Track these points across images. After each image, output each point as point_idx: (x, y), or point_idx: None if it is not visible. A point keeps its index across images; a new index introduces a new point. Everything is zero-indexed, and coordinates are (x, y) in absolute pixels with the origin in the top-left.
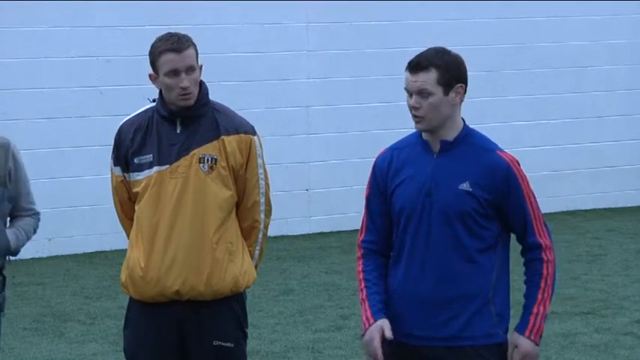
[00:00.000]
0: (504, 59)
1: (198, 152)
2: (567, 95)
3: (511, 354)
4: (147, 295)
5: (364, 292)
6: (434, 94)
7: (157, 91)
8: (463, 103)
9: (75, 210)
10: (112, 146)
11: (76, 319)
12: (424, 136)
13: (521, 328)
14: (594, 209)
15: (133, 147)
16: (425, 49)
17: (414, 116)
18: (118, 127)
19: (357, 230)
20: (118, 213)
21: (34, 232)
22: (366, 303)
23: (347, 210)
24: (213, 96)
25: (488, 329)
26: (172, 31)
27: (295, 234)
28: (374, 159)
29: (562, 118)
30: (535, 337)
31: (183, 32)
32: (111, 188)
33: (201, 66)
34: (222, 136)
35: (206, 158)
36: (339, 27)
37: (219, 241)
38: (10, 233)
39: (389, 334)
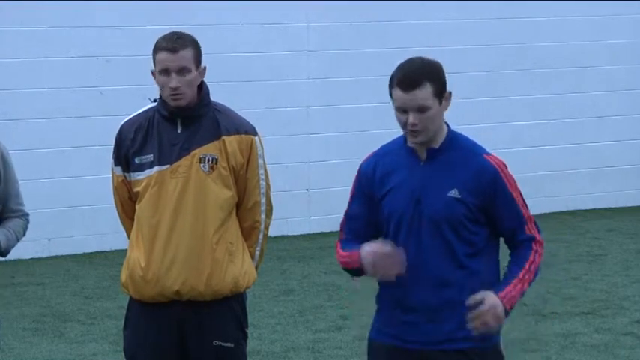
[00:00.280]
0: (504, 59)
1: (198, 152)
2: (567, 95)
3: (477, 303)
4: (147, 295)
5: (343, 254)
6: (432, 107)
7: (158, 90)
8: (463, 103)
9: (75, 210)
10: (112, 146)
11: (76, 319)
12: (409, 142)
13: (496, 290)
14: (594, 209)
15: (133, 147)
16: (425, 49)
17: (412, 132)
18: (118, 127)
19: None
20: (118, 213)
21: (24, 233)
22: (345, 254)
23: None
24: (214, 96)
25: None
26: (178, 31)
27: (295, 234)
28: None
29: (562, 118)
30: (506, 303)
31: (185, 33)
32: (112, 188)
33: (205, 68)
34: (223, 137)
35: (207, 158)
36: (339, 27)
37: (220, 241)
38: (1, 234)
39: (385, 245)
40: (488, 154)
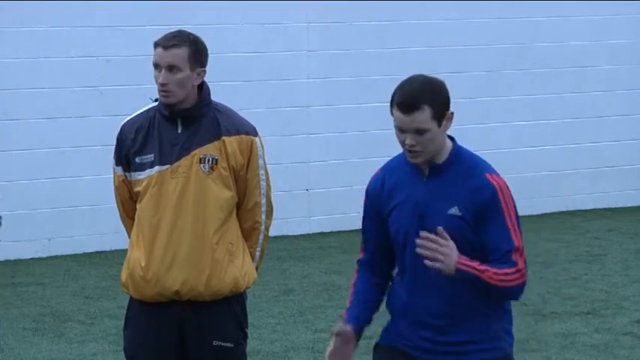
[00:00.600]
0: (504, 59)
1: (199, 152)
2: (567, 95)
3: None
4: (147, 295)
5: (347, 306)
6: (430, 130)
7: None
8: (463, 103)
9: (75, 210)
10: (112, 146)
11: (76, 319)
12: None
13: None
14: (594, 209)
15: (134, 147)
16: (425, 49)
17: (410, 152)
18: (119, 127)
19: (358, 230)
20: (119, 212)
21: None
22: (345, 312)
23: (347, 210)
24: (213, 96)
25: (494, 342)
26: (183, 30)
27: (295, 234)
28: (375, 159)
29: (562, 118)
30: (460, 264)
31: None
32: (113, 188)
33: (204, 71)
34: (223, 137)
35: (207, 158)
36: (339, 27)
37: (220, 241)
38: None
39: (334, 339)
40: (492, 172)
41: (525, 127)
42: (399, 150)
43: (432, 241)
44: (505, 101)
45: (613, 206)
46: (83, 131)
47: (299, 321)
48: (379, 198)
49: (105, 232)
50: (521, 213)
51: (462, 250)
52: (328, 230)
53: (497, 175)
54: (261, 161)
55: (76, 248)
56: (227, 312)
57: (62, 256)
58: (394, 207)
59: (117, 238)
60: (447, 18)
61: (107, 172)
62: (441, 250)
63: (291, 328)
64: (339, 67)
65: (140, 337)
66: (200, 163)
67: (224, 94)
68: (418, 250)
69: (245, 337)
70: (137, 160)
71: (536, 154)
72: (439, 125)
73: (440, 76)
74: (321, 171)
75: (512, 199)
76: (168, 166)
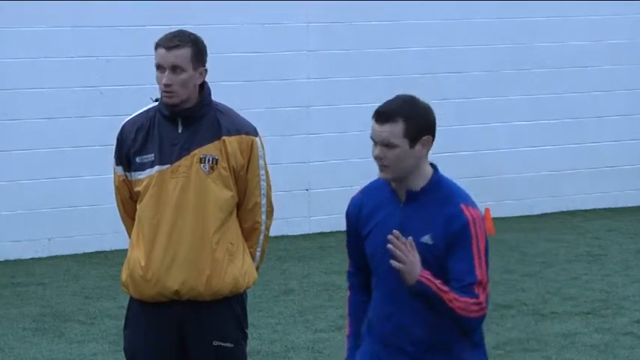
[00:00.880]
0: (504, 59)
1: (199, 152)
2: (567, 95)
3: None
4: (147, 295)
5: (347, 331)
6: (399, 146)
7: (159, 90)
8: (463, 103)
9: (75, 210)
10: (112, 146)
11: (76, 319)
12: (392, 183)
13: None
14: (594, 209)
15: (134, 146)
16: (425, 49)
17: (379, 165)
18: (120, 127)
19: None
20: (120, 212)
21: None
22: (346, 342)
23: None
24: (214, 96)
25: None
26: (183, 30)
27: (295, 234)
28: (372, 159)
29: (562, 118)
30: (422, 277)
31: (190, 32)
32: (113, 187)
33: (205, 70)
34: (224, 137)
35: (207, 158)
36: (339, 27)
37: (220, 241)
38: None
39: None
40: (468, 203)
41: (525, 127)
42: None
43: (402, 243)
44: (505, 101)
45: (613, 206)
46: (83, 131)
47: (299, 321)
48: (357, 220)
49: (105, 232)
50: (521, 213)
51: (435, 276)
52: (328, 230)
53: (474, 207)
54: (261, 161)
55: (76, 248)
56: (227, 312)
57: (62, 256)
58: (370, 231)
59: (117, 238)
60: (447, 18)
61: (107, 172)
62: (407, 254)
63: (291, 328)
64: (339, 67)
65: (140, 337)
66: (200, 162)
67: (224, 94)
68: (388, 245)
69: (245, 337)
70: (137, 159)
71: (536, 154)
72: (411, 146)
73: (440, 76)
74: (321, 171)
75: (485, 233)
76: (168, 165)
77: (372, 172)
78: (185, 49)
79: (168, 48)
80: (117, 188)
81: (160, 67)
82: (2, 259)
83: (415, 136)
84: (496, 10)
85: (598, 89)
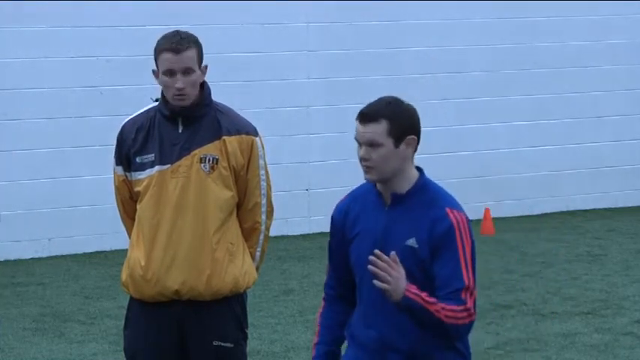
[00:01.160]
0: (504, 59)
1: (199, 152)
2: (567, 95)
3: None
4: (147, 295)
5: (315, 340)
6: (384, 145)
7: (160, 90)
8: (463, 103)
9: (75, 210)
10: (112, 146)
11: (76, 319)
12: (378, 186)
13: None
14: (594, 209)
15: (135, 146)
16: (425, 49)
17: (363, 166)
18: (120, 127)
19: None
20: (120, 212)
21: None
22: (312, 352)
23: None
24: (213, 96)
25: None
26: (180, 30)
27: (295, 234)
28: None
29: (562, 118)
30: (408, 291)
31: (187, 32)
32: (113, 188)
33: (206, 66)
34: (224, 137)
35: (207, 158)
36: (339, 27)
37: (220, 241)
38: None
39: None
40: (454, 207)
41: (525, 127)
42: None
43: (383, 261)
44: (505, 101)
45: (613, 206)
46: (83, 131)
47: (299, 321)
48: (343, 225)
49: (105, 232)
50: (521, 213)
51: (416, 282)
52: (328, 230)
53: (460, 211)
54: (261, 161)
55: (76, 248)
56: (227, 312)
57: (62, 256)
58: (355, 235)
59: (117, 238)
60: (447, 18)
61: (107, 172)
62: (390, 272)
63: (291, 328)
64: (339, 67)
65: (140, 337)
66: (200, 162)
67: (224, 94)
68: (369, 267)
69: (245, 337)
70: (138, 159)
71: (536, 154)
72: (396, 145)
73: (440, 76)
74: (321, 171)
75: (471, 237)
76: (168, 165)
77: None
78: (192, 50)
79: (178, 51)
80: (117, 188)
81: (170, 71)
82: (2, 259)
83: (399, 136)
84: (496, 10)
85: (598, 89)
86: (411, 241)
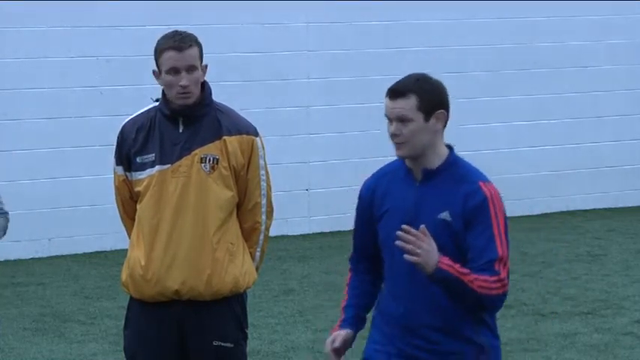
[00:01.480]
0: (504, 59)
1: (199, 152)
2: (567, 95)
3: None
4: (147, 295)
5: (343, 303)
6: (414, 120)
7: (160, 90)
8: (463, 103)
9: (75, 210)
10: (112, 146)
11: (76, 319)
12: (407, 162)
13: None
14: (594, 209)
15: (135, 146)
16: (425, 49)
17: (394, 143)
18: (120, 127)
19: None
20: (119, 213)
21: (4, 232)
22: (341, 313)
23: (347, 210)
24: (213, 96)
25: (482, 357)
26: (178, 30)
27: (295, 234)
28: (375, 159)
29: (562, 118)
30: (442, 263)
31: (187, 31)
32: (113, 187)
33: (206, 66)
34: (224, 137)
35: (208, 158)
36: (339, 27)
37: (220, 241)
38: None
39: (336, 344)
40: (486, 181)
41: (525, 127)
42: None
43: (412, 235)
44: (505, 101)
45: (613, 206)
46: (83, 131)
47: (299, 321)
48: (371, 202)
49: (105, 232)
50: (521, 213)
51: (449, 255)
52: (328, 230)
53: (491, 184)
54: (261, 161)
55: (76, 248)
56: (227, 312)
57: (62, 256)
58: (384, 212)
59: (117, 238)
60: (447, 18)
61: (107, 172)
62: (420, 245)
63: (291, 328)
64: (339, 67)
65: (140, 337)
66: (201, 162)
67: (224, 94)
68: (397, 242)
69: (245, 337)
70: (138, 159)
71: (536, 154)
72: (426, 119)
73: (440, 76)
74: (321, 171)
75: (504, 210)
76: (169, 165)
77: (372, 172)
78: (194, 48)
79: (181, 49)
80: (117, 188)
81: (174, 70)
82: (2, 259)
83: (429, 110)
84: (496, 10)
85: (598, 89)
86: (444, 215)
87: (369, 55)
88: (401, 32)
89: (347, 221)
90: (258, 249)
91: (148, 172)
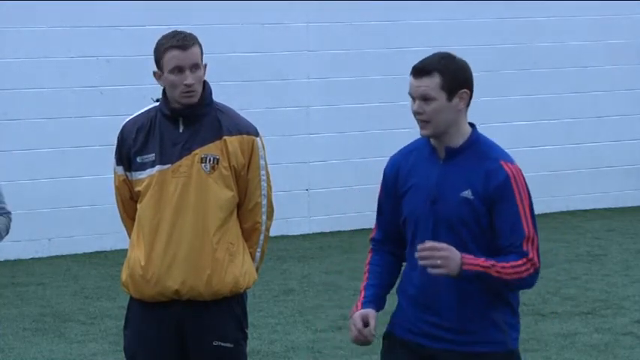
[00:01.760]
0: (504, 59)
1: (200, 152)
2: (567, 95)
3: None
4: (147, 295)
5: (363, 283)
6: (437, 99)
7: (160, 90)
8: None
9: (75, 210)
10: (112, 146)
11: (76, 319)
12: (432, 141)
13: (463, 252)
14: (594, 209)
15: (135, 146)
16: (425, 49)
17: (418, 121)
18: (120, 127)
19: (357, 230)
20: (120, 213)
21: (7, 231)
22: (362, 293)
23: (347, 210)
24: (213, 96)
25: (494, 335)
26: (179, 30)
27: (295, 234)
28: (375, 159)
29: (562, 118)
30: (466, 264)
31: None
32: (113, 187)
33: (206, 65)
34: (225, 137)
35: (208, 158)
36: (339, 27)
37: (220, 241)
38: None
39: (372, 323)
40: (507, 160)
41: (525, 127)
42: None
43: (427, 249)
44: (505, 101)
45: (613, 206)
46: (83, 131)
47: (299, 321)
48: (395, 179)
49: (105, 232)
50: None
51: (471, 233)
52: (328, 230)
53: (513, 163)
54: (262, 161)
55: (76, 248)
56: (227, 312)
57: (62, 256)
58: (409, 189)
59: (117, 238)
60: (447, 18)
61: (107, 172)
62: (439, 255)
63: (291, 328)
64: (339, 67)
65: (140, 337)
66: (201, 162)
67: (224, 94)
68: (420, 262)
69: (245, 337)
70: (138, 159)
71: (536, 154)
72: (449, 99)
73: None
74: (321, 171)
75: (527, 188)
76: (169, 165)
77: (372, 172)
78: (196, 46)
79: (185, 48)
80: (117, 188)
81: (178, 68)
82: (2, 259)
83: (452, 89)
84: (496, 10)
85: (598, 89)
86: (467, 193)
87: (369, 55)
88: (401, 32)
89: (347, 221)
90: (259, 249)
91: (148, 172)
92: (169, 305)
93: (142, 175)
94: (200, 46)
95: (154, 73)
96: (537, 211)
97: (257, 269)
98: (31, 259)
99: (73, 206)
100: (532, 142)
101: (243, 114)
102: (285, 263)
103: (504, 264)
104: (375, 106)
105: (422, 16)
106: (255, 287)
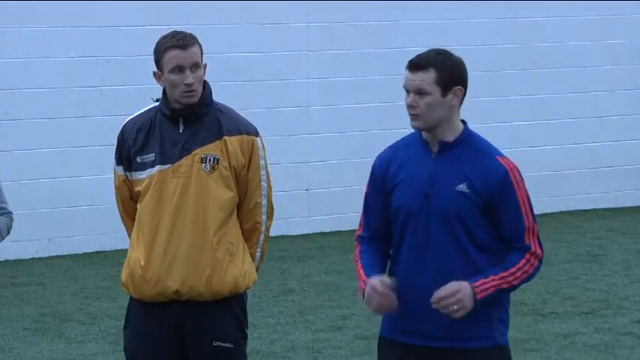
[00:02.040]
0: (504, 59)
1: (200, 152)
2: (567, 95)
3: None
4: (147, 295)
5: (359, 264)
6: (431, 93)
7: (160, 90)
8: (464, 104)
9: (75, 210)
10: (112, 146)
11: (76, 319)
12: (424, 135)
13: (471, 280)
14: (594, 209)
15: (135, 146)
16: (425, 49)
17: (410, 114)
18: (120, 127)
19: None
20: (120, 213)
21: (8, 231)
22: (360, 270)
23: (347, 210)
24: (213, 96)
25: (487, 331)
26: (179, 30)
27: (295, 234)
28: (374, 159)
29: (562, 118)
30: (479, 293)
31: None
32: (113, 187)
33: (206, 65)
34: (225, 137)
35: (208, 158)
36: (339, 27)
37: (220, 241)
38: None
39: (390, 282)
40: (502, 155)
41: (525, 127)
42: None
43: (439, 299)
44: (505, 101)
45: (613, 206)
46: (83, 131)
47: (299, 321)
48: (384, 174)
49: (105, 232)
50: None
51: (467, 227)
52: (328, 230)
53: (507, 158)
54: (262, 162)
55: (76, 248)
56: (227, 312)
57: (62, 256)
58: (399, 182)
59: (117, 238)
60: (447, 18)
61: (107, 172)
62: (453, 301)
63: (291, 328)
64: (339, 67)
65: (140, 337)
66: (201, 162)
67: (224, 94)
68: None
69: (245, 337)
70: (138, 159)
71: (536, 154)
72: (443, 94)
73: None
74: (321, 171)
75: (523, 181)
76: (169, 165)
77: None
78: (196, 46)
79: (185, 47)
80: (117, 188)
81: (179, 67)
82: (2, 259)
83: (447, 85)
84: (496, 10)
85: (598, 89)
86: (462, 187)
87: (369, 55)
88: (401, 32)
89: (347, 221)
90: (259, 249)
91: (148, 172)
92: (169, 305)
93: (142, 175)
94: (200, 45)
95: (154, 74)
96: (537, 211)
97: (257, 269)
98: (31, 259)
99: (73, 206)
100: (532, 142)
101: (243, 114)
102: (285, 263)
103: (512, 269)
104: (375, 106)
105: (422, 16)
106: (255, 287)
